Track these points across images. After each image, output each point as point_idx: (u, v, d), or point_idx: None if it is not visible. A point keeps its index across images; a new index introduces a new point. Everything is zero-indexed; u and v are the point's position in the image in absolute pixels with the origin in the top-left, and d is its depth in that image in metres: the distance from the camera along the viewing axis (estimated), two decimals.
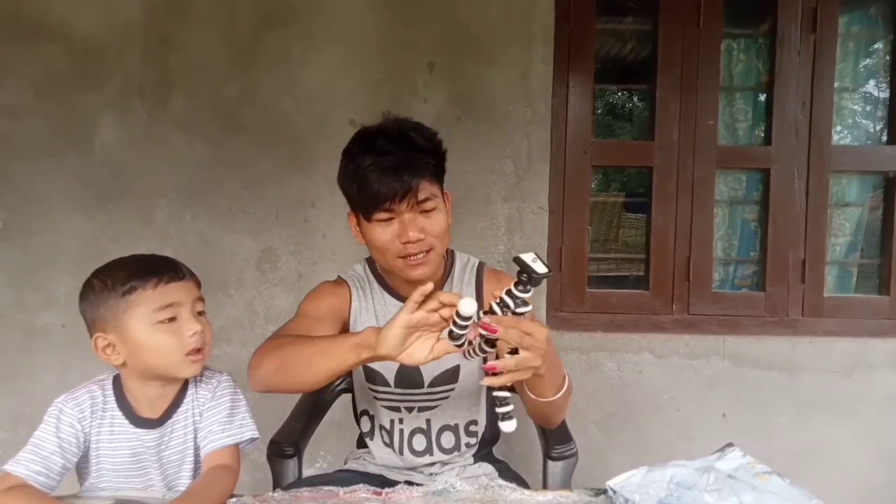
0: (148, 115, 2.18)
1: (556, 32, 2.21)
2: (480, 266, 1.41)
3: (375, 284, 1.39)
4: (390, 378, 1.34)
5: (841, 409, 2.25)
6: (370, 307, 1.36)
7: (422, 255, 1.22)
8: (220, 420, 1.12)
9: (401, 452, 1.35)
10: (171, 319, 1.07)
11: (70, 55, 2.16)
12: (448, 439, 1.35)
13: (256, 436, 1.15)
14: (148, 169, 2.19)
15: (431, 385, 1.33)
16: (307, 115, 2.20)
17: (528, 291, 0.95)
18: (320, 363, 1.08)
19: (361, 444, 1.48)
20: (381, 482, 1.30)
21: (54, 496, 1.02)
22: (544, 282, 2.25)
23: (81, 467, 1.13)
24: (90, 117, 2.18)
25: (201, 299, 1.13)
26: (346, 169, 1.27)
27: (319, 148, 2.20)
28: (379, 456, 1.39)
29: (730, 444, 1.02)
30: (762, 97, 2.41)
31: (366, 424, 1.43)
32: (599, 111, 2.86)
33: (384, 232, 1.22)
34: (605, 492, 1.00)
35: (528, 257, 0.94)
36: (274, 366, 1.13)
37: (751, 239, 2.43)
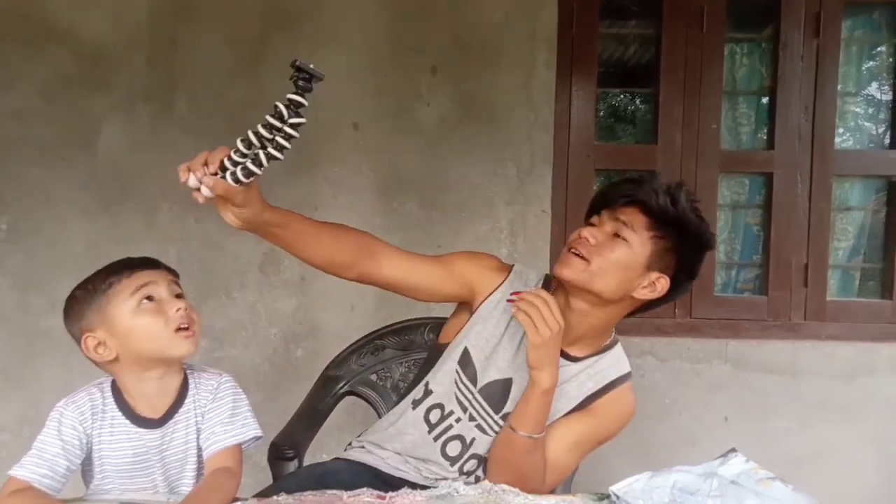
0: (153, 118, 2.19)
1: (559, 36, 2.22)
2: (626, 376, 1.31)
3: None
4: (480, 381, 1.29)
5: (844, 414, 2.25)
6: (509, 314, 1.25)
7: (576, 255, 1.20)
8: (223, 421, 1.13)
9: (435, 440, 1.30)
10: (150, 299, 1.08)
11: (76, 59, 2.17)
12: (471, 465, 1.31)
13: (260, 434, 1.15)
14: (152, 172, 2.19)
15: (504, 418, 1.28)
16: (311, 118, 2.17)
17: (307, 92, 0.90)
18: None
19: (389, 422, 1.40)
20: (375, 476, 1.28)
21: (60, 499, 1.03)
22: None
23: (86, 470, 1.13)
24: (96, 121, 2.18)
25: (178, 285, 1.15)
26: None
27: (323, 151, 2.21)
28: (406, 426, 1.32)
29: (733, 450, 1.02)
30: (765, 101, 2.41)
31: (419, 392, 1.34)
32: (602, 115, 2.86)
33: (580, 230, 1.24)
34: (607, 497, 1.00)
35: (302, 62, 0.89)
36: None
37: (753, 243, 2.43)
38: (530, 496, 1.06)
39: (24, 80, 2.17)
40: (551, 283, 1.31)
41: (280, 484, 1.25)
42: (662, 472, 0.97)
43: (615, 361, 1.32)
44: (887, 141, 2.44)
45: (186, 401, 1.15)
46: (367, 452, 1.35)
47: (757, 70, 2.41)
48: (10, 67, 2.16)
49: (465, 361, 1.30)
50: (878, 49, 2.50)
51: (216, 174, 0.98)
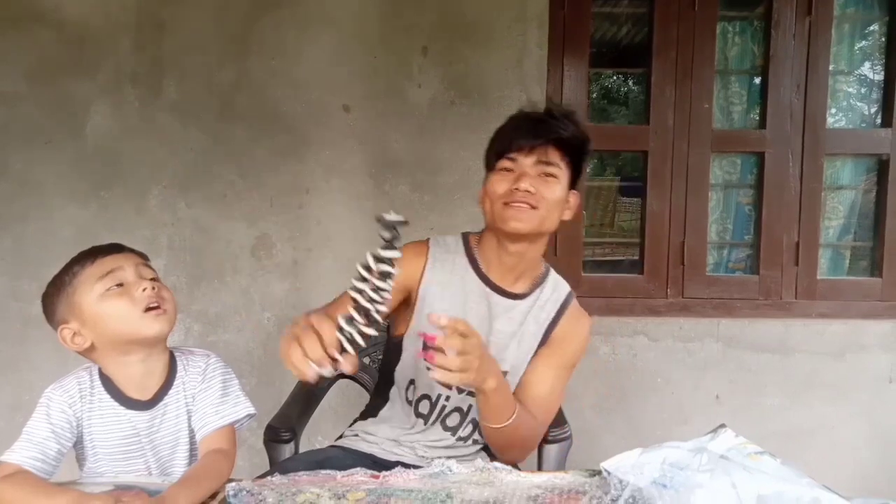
0: (141, 101, 2.17)
1: (550, 16, 2.20)
2: (571, 295, 1.38)
3: (463, 259, 1.35)
4: None
5: (833, 391, 2.28)
6: (445, 281, 1.32)
7: (525, 206, 1.23)
8: (214, 402, 1.13)
9: (433, 424, 1.34)
10: (119, 285, 1.08)
11: (62, 41, 2.14)
12: (467, 430, 1.35)
13: (253, 412, 1.16)
14: (142, 156, 2.18)
15: None
16: (301, 101, 2.19)
17: (393, 248, 0.88)
18: None
19: (369, 414, 1.44)
20: (372, 461, 1.30)
21: (53, 482, 1.03)
22: None
23: (79, 453, 1.14)
24: (83, 104, 2.16)
25: (148, 268, 1.15)
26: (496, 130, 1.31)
27: (313, 134, 2.19)
28: (402, 421, 1.35)
29: (722, 426, 1.03)
30: (757, 80, 2.40)
31: (411, 394, 1.37)
32: (594, 95, 2.85)
33: (502, 180, 1.25)
34: (599, 473, 1.01)
35: (387, 215, 0.88)
36: None
37: (745, 222, 2.44)
38: (522, 473, 1.07)
39: (9, 63, 2.14)
40: (469, 240, 1.38)
41: (276, 469, 1.25)
42: (653, 448, 0.98)
43: (555, 287, 1.38)
44: (879, 120, 2.44)
45: (175, 383, 1.15)
46: (361, 440, 1.38)
47: (749, 49, 2.40)
48: None
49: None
50: (871, 28, 2.49)
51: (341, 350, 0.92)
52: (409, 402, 1.37)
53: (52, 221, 2.18)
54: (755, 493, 0.86)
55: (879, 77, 2.46)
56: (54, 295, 1.10)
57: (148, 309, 1.09)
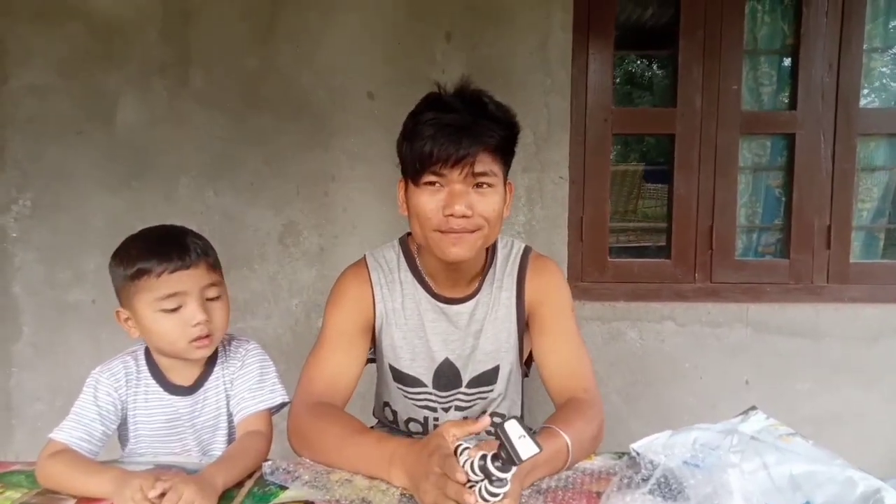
0: (169, 91, 2.20)
1: None
2: (525, 253, 1.28)
3: (408, 276, 1.26)
4: (427, 379, 1.27)
5: (866, 376, 2.24)
6: (398, 307, 1.25)
7: (463, 235, 1.10)
8: (251, 387, 1.16)
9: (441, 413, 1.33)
10: (176, 308, 1.07)
11: (91, 34, 2.18)
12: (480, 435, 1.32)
13: (287, 399, 1.19)
14: (170, 145, 2.21)
15: (469, 385, 1.28)
16: (326, 88, 2.20)
17: (507, 471, 0.80)
18: (356, 469, 1.02)
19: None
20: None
21: (97, 461, 1.06)
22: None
23: (121, 434, 1.17)
24: (113, 95, 2.20)
25: (214, 284, 1.13)
26: (405, 127, 1.15)
27: (338, 121, 2.20)
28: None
29: (753, 407, 1.03)
30: (787, 60, 2.35)
31: (389, 415, 1.37)
32: (619, 79, 2.81)
33: (429, 200, 1.10)
34: (627, 454, 1.01)
35: (512, 430, 0.78)
36: (313, 457, 1.08)
37: (775, 206, 2.40)
38: None
39: (40, 56, 2.18)
40: (409, 247, 1.27)
41: None
42: (683, 430, 0.97)
43: (506, 254, 1.28)
44: None
45: (216, 369, 1.18)
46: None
47: (779, 27, 2.35)
48: (27, 44, 2.17)
49: (399, 375, 1.29)
50: None
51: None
52: (394, 425, 1.36)
53: (85, 211, 2.23)
54: (787, 473, 0.85)
55: None
56: (117, 274, 1.10)
57: (195, 339, 1.10)
